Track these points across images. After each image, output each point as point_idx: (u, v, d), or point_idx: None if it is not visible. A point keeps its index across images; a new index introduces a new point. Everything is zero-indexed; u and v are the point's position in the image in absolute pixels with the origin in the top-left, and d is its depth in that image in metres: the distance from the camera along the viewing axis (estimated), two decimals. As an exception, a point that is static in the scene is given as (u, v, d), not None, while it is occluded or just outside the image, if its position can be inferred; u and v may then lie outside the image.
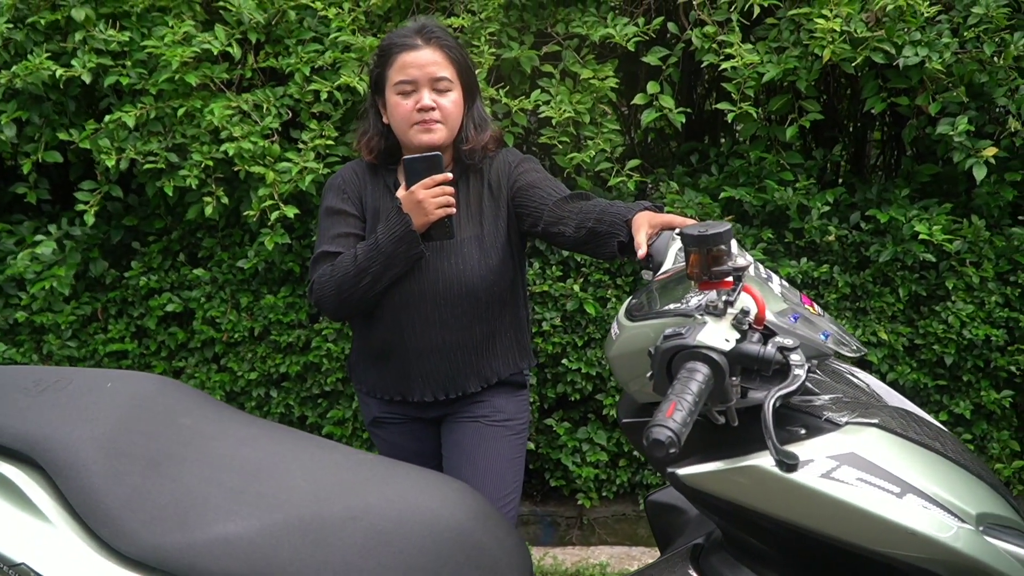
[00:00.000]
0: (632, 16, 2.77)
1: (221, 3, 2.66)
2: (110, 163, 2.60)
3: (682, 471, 1.31)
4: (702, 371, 1.15)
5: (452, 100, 1.87)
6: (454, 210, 1.82)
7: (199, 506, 1.42)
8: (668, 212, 2.73)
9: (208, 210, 2.66)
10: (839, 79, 3.08)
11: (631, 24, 2.68)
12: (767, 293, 1.38)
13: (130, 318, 2.99)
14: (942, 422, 2.87)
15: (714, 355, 1.16)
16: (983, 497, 1.37)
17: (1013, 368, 2.81)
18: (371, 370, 2.02)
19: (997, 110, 2.72)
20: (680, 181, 2.97)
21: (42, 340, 2.91)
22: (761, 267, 1.46)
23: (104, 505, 1.39)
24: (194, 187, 2.65)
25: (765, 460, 1.25)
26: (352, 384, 2.15)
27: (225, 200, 2.69)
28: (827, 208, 2.79)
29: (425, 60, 1.84)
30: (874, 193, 2.90)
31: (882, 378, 2.89)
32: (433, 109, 1.84)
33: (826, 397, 1.41)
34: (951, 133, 2.56)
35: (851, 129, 3.45)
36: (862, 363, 2.92)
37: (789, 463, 1.12)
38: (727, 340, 1.19)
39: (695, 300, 1.34)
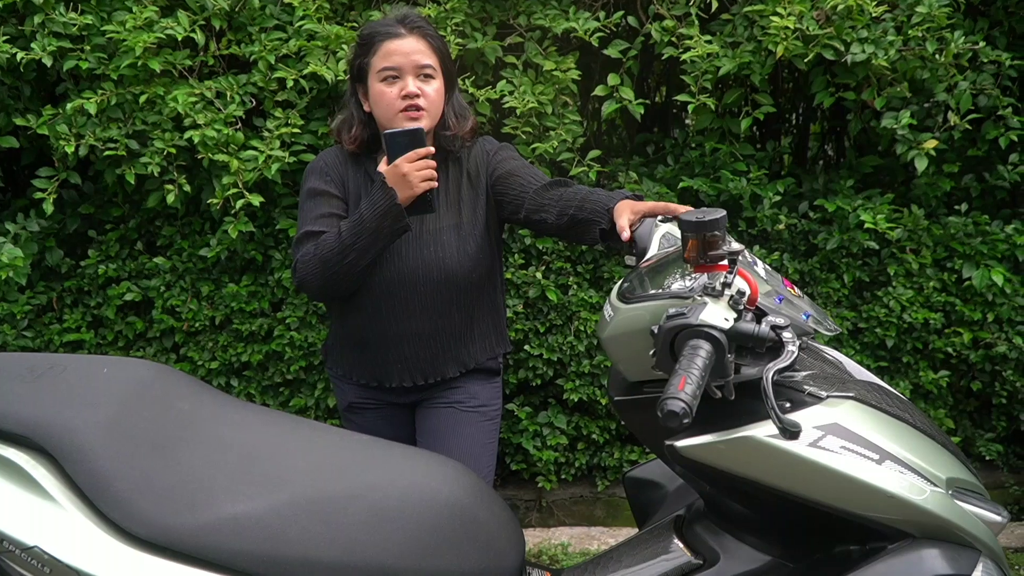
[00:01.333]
0: (592, 10, 2.84)
1: (185, -12, 2.64)
2: (69, 150, 2.55)
3: (680, 443, 1.38)
4: (705, 348, 1.23)
5: (435, 88, 1.91)
6: (436, 184, 1.84)
7: (205, 487, 1.44)
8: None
9: (170, 198, 2.64)
10: (786, 74, 3.21)
11: (592, 19, 2.75)
12: (754, 276, 1.47)
13: (86, 307, 2.94)
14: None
15: (716, 333, 1.24)
16: (949, 463, 1.49)
17: (949, 350, 2.98)
18: (349, 355, 2.05)
19: (936, 105, 2.87)
20: (637, 171, 3.06)
21: (-5, 330, 2.85)
22: (747, 252, 1.54)
23: (114, 488, 1.40)
24: (155, 175, 2.62)
25: (758, 431, 1.34)
26: (326, 369, 2.16)
27: (187, 188, 2.67)
28: (778, 198, 2.91)
29: (409, 48, 1.87)
30: (820, 184, 3.04)
31: (828, 360, 3.03)
32: (418, 96, 1.86)
33: (804, 373, 1.51)
34: (895, 126, 2.70)
35: (796, 122, 3.60)
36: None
37: (792, 431, 1.20)
38: (726, 320, 1.27)
39: (680, 283, 1.42)
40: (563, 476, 3.17)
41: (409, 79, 1.87)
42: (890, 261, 2.95)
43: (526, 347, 2.97)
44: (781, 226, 2.92)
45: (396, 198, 1.80)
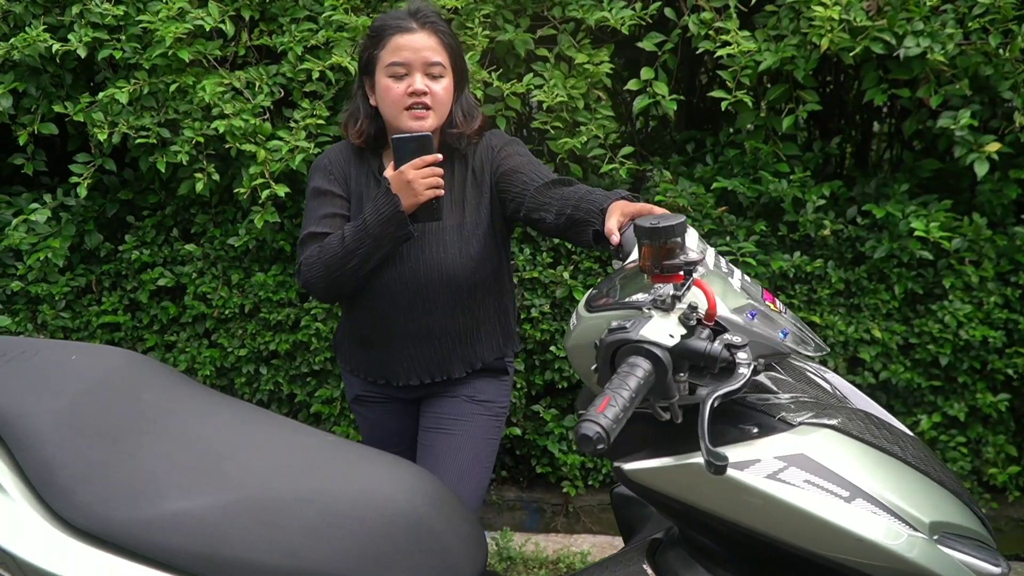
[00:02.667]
0: (629, 1, 2.73)
1: (216, -21, 2.66)
2: (102, 136, 2.60)
3: (627, 466, 1.29)
4: (643, 366, 1.14)
5: (444, 86, 1.85)
6: (443, 192, 1.80)
7: (153, 482, 1.42)
8: (659, 201, 2.73)
9: (199, 186, 2.66)
10: (844, 69, 3.02)
11: (628, 8, 2.64)
12: (726, 289, 1.35)
13: (123, 291, 3.01)
14: (935, 424, 2.84)
15: (656, 350, 1.14)
16: (941, 505, 1.34)
17: (1011, 371, 2.76)
18: (357, 351, 2.03)
19: (1006, 105, 2.65)
20: (676, 170, 2.94)
21: (37, 310, 2.94)
22: (723, 261, 1.43)
23: (58, 477, 1.40)
24: (185, 163, 2.64)
25: (711, 458, 1.23)
26: (337, 360, 2.15)
27: (216, 177, 2.69)
28: (823, 201, 2.74)
29: (420, 44, 1.82)
30: (872, 188, 2.85)
31: (875, 377, 2.85)
32: (425, 94, 1.82)
33: (786, 396, 1.39)
34: (952, 127, 2.50)
35: (858, 121, 3.39)
36: (853, 360, 2.88)
37: (718, 464, 1.09)
38: (671, 335, 1.17)
39: (645, 294, 1.32)
40: (590, 482, 3.08)
41: (417, 76, 1.82)
42: (947, 273, 2.75)
43: (552, 348, 2.89)
44: (826, 231, 2.75)
45: (400, 205, 1.77)
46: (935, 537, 1.28)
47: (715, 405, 1.12)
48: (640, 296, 1.34)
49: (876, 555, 1.23)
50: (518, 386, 2.94)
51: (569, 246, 2.85)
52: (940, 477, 1.38)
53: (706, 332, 1.21)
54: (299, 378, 3.03)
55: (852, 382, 2.83)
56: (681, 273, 1.24)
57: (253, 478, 1.45)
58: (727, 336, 1.20)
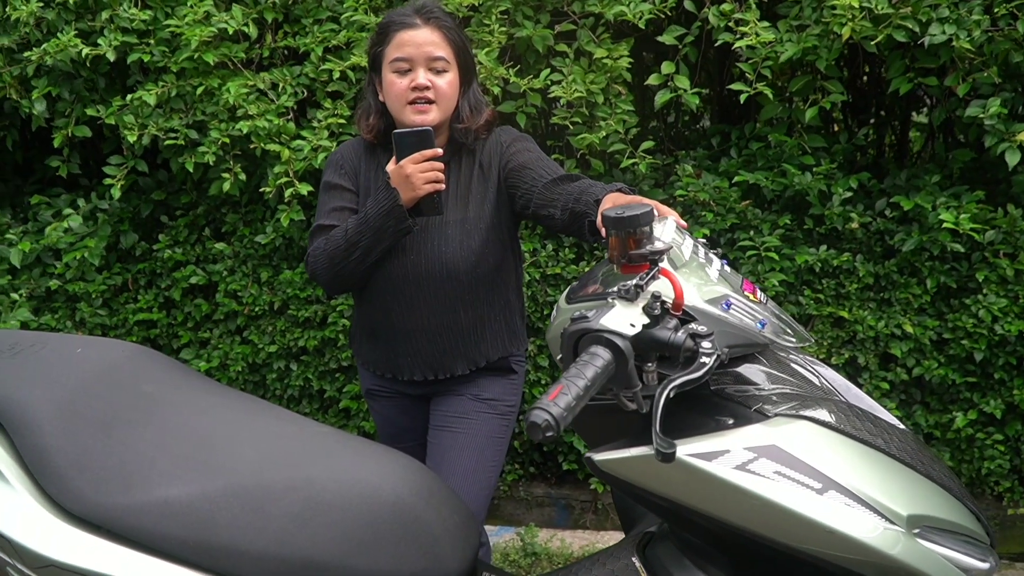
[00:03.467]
0: (650, -6, 2.70)
1: (240, -18, 2.72)
2: (132, 138, 2.69)
3: (597, 456, 1.29)
4: (603, 356, 1.13)
5: (447, 81, 1.86)
6: (443, 186, 1.81)
7: (145, 470, 1.46)
8: (681, 196, 2.70)
9: (226, 186, 2.73)
10: (876, 59, 2.95)
11: (646, 2, 2.62)
12: (702, 279, 1.34)
13: (158, 289, 3.10)
14: (971, 421, 2.75)
15: (616, 339, 1.14)
16: (926, 498, 1.31)
17: (1049, 366, 2.66)
18: (366, 344, 2.06)
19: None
20: (701, 164, 2.90)
21: (75, 308, 3.04)
22: (702, 250, 1.41)
23: (54, 463, 1.45)
24: (212, 163, 2.71)
25: (680, 449, 1.22)
26: (353, 352, 2.19)
27: (243, 176, 2.75)
28: (850, 194, 2.68)
29: (422, 39, 1.84)
30: (903, 179, 2.77)
31: (908, 373, 2.77)
32: (428, 88, 1.83)
33: (768, 388, 1.37)
34: (982, 116, 2.42)
35: (897, 111, 3.30)
36: (885, 356, 2.81)
37: (665, 452, 1.08)
38: (632, 325, 1.16)
39: (621, 285, 1.31)
40: (616, 479, 3.05)
41: (420, 71, 1.84)
42: (981, 266, 2.66)
43: (575, 344, 2.88)
44: (854, 224, 2.69)
45: (399, 199, 1.78)
46: (915, 531, 1.25)
47: (671, 394, 1.11)
48: (617, 286, 1.33)
49: (850, 548, 1.21)
50: (542, 382, 2.94)
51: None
52: (928, 471, 1.34)
53: (673, 322, 1.20)
54: (328, 374, 3.08)
55: (884, 379, 2.77)
56: (648, 263, 1.23)
57: (243, 466, 1.48)
58: (692, 326, 1.19)
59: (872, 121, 3.25)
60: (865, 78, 3.20)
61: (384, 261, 1.89)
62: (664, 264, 1.24)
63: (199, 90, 2.70)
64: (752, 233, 2.74)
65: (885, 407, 2.68)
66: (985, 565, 1.30)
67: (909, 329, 2.71)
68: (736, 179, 2.71)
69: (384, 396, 2.10)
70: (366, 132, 1.97)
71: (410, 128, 1.80)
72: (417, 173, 1.78)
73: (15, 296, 2.85)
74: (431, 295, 1.91)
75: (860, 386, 2.74)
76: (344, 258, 1.84)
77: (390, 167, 1.82)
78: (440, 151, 1.80)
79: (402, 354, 1.98)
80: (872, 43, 2.40)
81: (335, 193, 1.95)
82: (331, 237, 1.87)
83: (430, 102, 1.84)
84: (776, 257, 2.68)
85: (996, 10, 2.36)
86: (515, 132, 2.02)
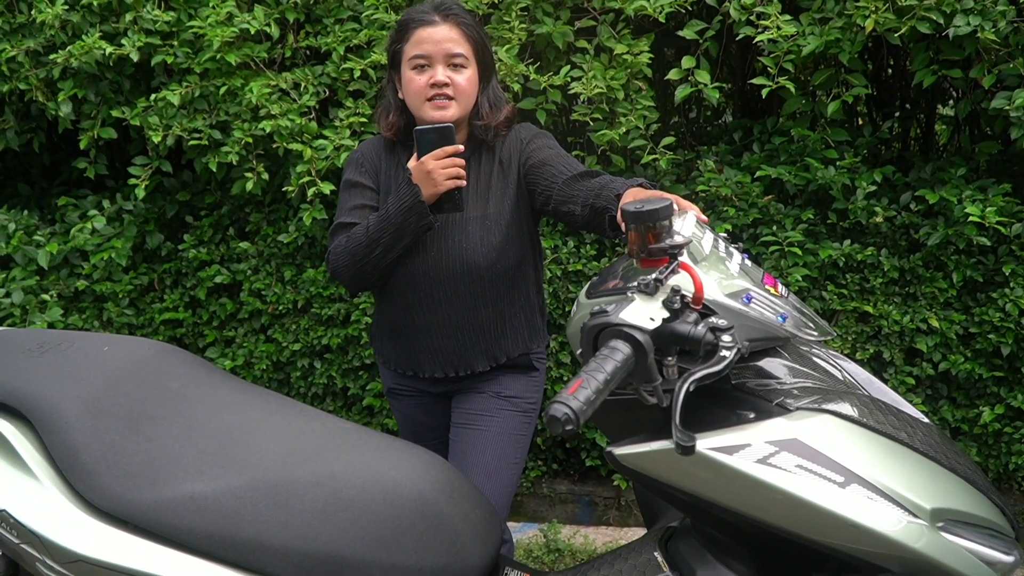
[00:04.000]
0: (670, -12, 2.69)
1: (262, -17, 2.74)
2: (156, 139, 2.72)
3: (618, 451, 1.29)
4: (622, 350, 1.13)
5: (466, 77, 1.87)
6: (464, 182, 1.82)
7: (171, 465, 1.48)
8: (703, 191, 2.69)
9: (249, 185, 2.75)
10: (901, 51, 2.92)
11: (666, -3, 2.61)
12: (722, 273, 1.34)
13: (184, 288, 3.13)
14: (999, 416, 2.72)
15: (636, 333, 1.14)
16: (949, 492, 1.30)
17: (1078, 361, 2.62)
18: (386, 342, 2.07)
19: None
20: (724, 159, 2.89)
21: (103, 308, 3.08)
22: (722, 244, 1.41)
23: (82, 460, 1.47)
24: (235, 163, 2.74)
25: (702, 442, 1.22)
26: (374, 351, 2.19)
27: (265, 176, 2.77)
28: (874, 188, 2.66)
29: (441, 36, 1.84)
30: (928, 172, 2.74)
31: (934, 368, 2.75)
32: (447, 85, 1.84)
33: (790, 382, 1.37)
34: (1008, 108, 2.39)
35: (923, 104, 3.27)
36: (911, 351, 2.79)
37: (685, 445, 1.08)
38: (652, 319, 1.16)
39: (641, 279, 1.31)
40: (639, 476, 3.05)
41: (439, 67, 1.84)
42: (1007, 259, 2.63)
43: (597, 341, 2.87)
44: (878, 218, 2.67)
45: (420, 195, 1.79)
46: (939, 524, 1.24)
47: (691, 388, 1.11)
48: (636, 281, 1.33)
49: (873, 541, 1.20)
50: (564, 378, 2.94)
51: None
52: (952, 464, 1.33)
53: (693, 316, 1.20)
54: (351, 372, 3.10)
55: (910, 374, 2.75)
56: (667, 257, 1.23)
57: (267, 461, 1.50)
58: (713, 320, 1.19)
59: (897, 114, 3.22)
60: (889, 71, 3.17)
61: (405, 258, 1.90)
62: (684, 258, 1.24)
63: (222, 90, 2.73)
64: (775, 228, 2.72)
65: (911, 402, 2.67)
66: (1010, 559, 1.28)
67: (935, 323, 2.68)
68: (758, 174, 2.69)
69: (405, 395, 2.11)
70: (386, 130, 1.97)
71: (431, 125, 1.81)
72: (439, 169, 1.79)
73: (45, 297, 2.89)
74: (452, 292, 1.92)
75: (885, 381, 2.72)
76: (365, 255, 1.85)
77: (411, 164, 1.83)
78: (461, 147, 1.81)
79: (423, 351, 1.99)
80: (896, 35, 2.38)
81: (356, 191, 1.96)
82: (352, 235, 1.88)
83: (449, 98, 1.85)
84: (799, 252, 2.66)
85: (1021, 0, 2.33)
86: (534, 129, 2.02)
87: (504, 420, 2.01)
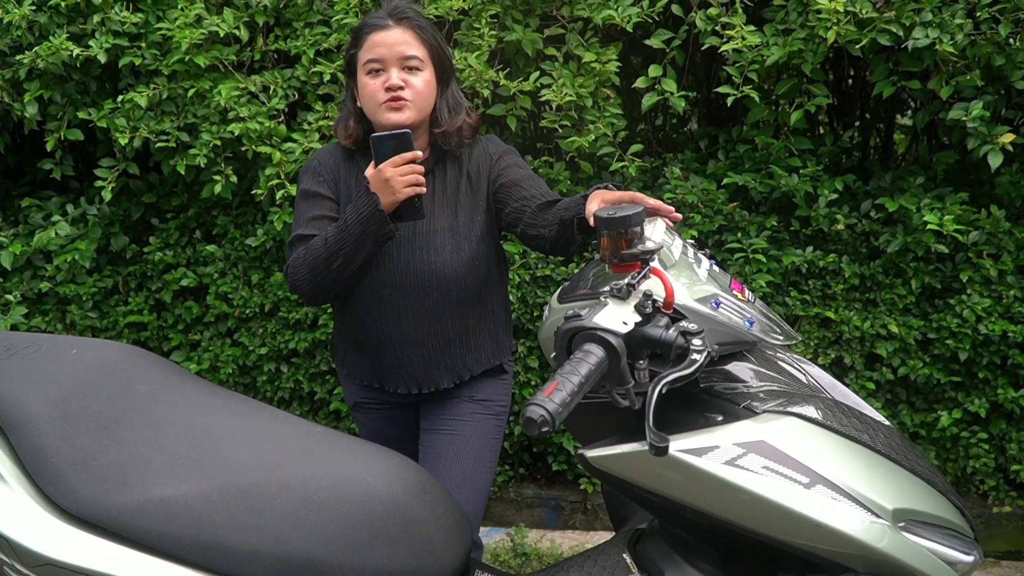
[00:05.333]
0: (638, -1, 2.74)
1: (231, -15, 2.74)
2: (124, 141, 2.70)
3: (590, 453, 1.31)
4: (596, 353, 1.15)
5: (423, 80, 1.85)
6: (424, 189, 1.77)
7: (141, 469, 1.47)
8: (670, 198, 2.73)
9: (217, 188, 2.74)
10: (860, 62, 2.99)
11: (635, 6, 2.65)
12: (691, 278, 1.37)
13: (149, 291, 3.10)
14: (956, 420, 2.79)
15: (609, 337, 1.16)
16: (910, 493, 1.34)
17: (1031, 366, 2.70)
18: (350, 354, 2.04)
19: (1020, 95, 2.60)
20: (690, 166, 2.93)
21: (66, 310, 3.05)
22: (691, 250, 1.44)
23: (51, 464, 1.46)
24: (203, 166, 2.72)
25: (671, 445, 1.24)
26: (335, 365, 2.15)
27: (234, 179, 2.76)
28: (835, 195, 2.72)
29: (394, 39, 1.83)
30: (888, 181, 2.81)
31: (893, 372, 2.81)
32: (402, 88, 1.81)
33: (756, 385, 1.40)
34: (964, 119, 2.46)
35: (882, 114, 3.35)
36: (871, 356, 2.85)
37: (659, 446, 1.11)
38: (624, 323, 1.18)
39: (613, 284, 1.34)
40: (606, 479, 3.08)
41: (393, 71, 1.82)
42: (965, 266, 2.70)
43: (564, 345, 2.90)
44: (839, 226, 2.72)
45: (379, 204, 1.75)
46: (900, 524, 1.28)
47: (663, 391, 1.14)
48: (607, 286, 1.36)
49: (837, 541, 1.24)
50: (532, 383, 2.96)
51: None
52: (913, 466, 1.37)
53: (664, 320, 1.23)
54: (319, 376, 3.10)
55: (870, 378, 2.81)
56: (639, 262, 1.25)
57: (238, 465, 1.50)
58: (683, 324, 1.22)
59: (857, 124, 3.29)
60: (850, 81, 3.25)
61: (370, 269, 1.87)
62: (655, 263, 1.26)
63: (190, 93, 2.71)
64: (739, 235, 2.77)
65: (871, 406, 2.73)
66: (969, 558, 1.33)
67: (894, 329, 2.75)
68: (725, 181, 2.74)
69: (372, 407, 2.08)
70: (345, 138, 1.94)
71: (388, 131, 1.77)
72: (397, 176, 1.74)
73: (9, 298, 2.85)
74: (418, 304, 1.89)
75: (846, 386, 2.77)
76: (325, 268, 1.81)
77: (369, 172, 1.79)
78: (420, 153, 1.77)
79: (387, 365, 1.96)
80: (856, 47, 2.44)
81: (314, 202, 1.92)
82: (311, 247, 1.83)
83: (403, 100, 1.82)
84: (763, 259, 2.71)
85: (978, 14, 2.40)
86: (501, 144, 2.02)
87: (477, 424, 2.01)
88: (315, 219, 1.89)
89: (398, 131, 1.76)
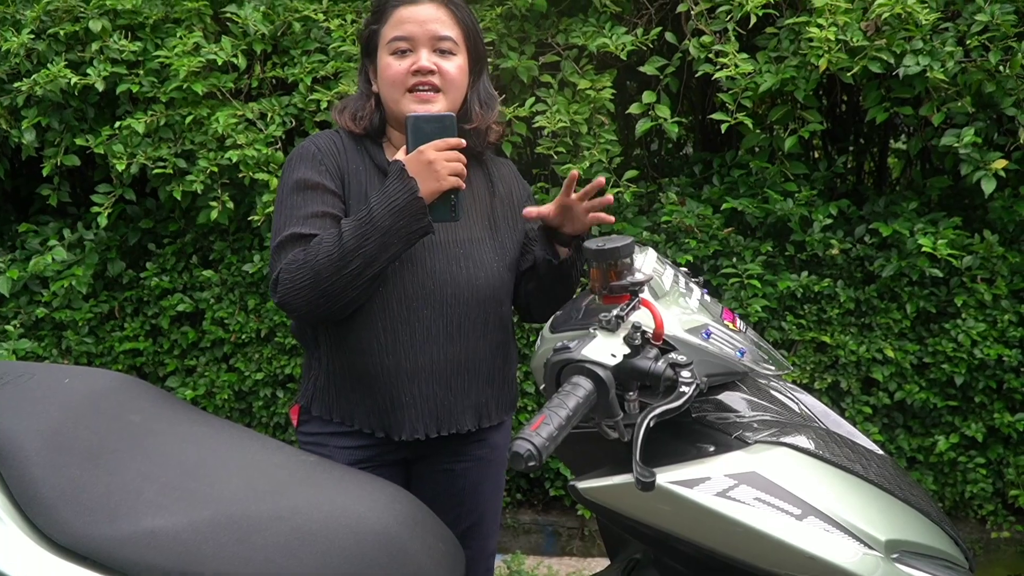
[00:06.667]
0: (631, 27, 2.76)
1: (228, 15, 2.75)
2: (121, 167, 2.71)
3: (581, 484, 1.30)
4: (584, 386, 1.15)
5: (456, 65, 1.59)
6: (464, 185, 1.49)
7: (131, 499, 1.47)
8: (665, 222, 2.73)
9: (214, 214, 2.75)
10: (852, 88, 3.01)
11: (629, 34, 2.67)
12: (682, 309, 1.37)
13: (145, 317, 3.10)
14: (953, 445, 2.78)
15: (597, 369, 1.16)
16: (903, 523, 1.33)
17: (1028, 390, 2.70)
18: (348, 395, 1.65)
19: (1014, 121, 2.62)
20: (685, 191, 2.95)
21: (62, 336, 3.04)
22: (682, 279, 1.44)
23: (41, 495, 1.45)
24: (200, 192, 2.73)
25: (662, 476, 1.24)
26: (299, 431, 1.75)
27: (230, 205, 2.77)
28: (830, 220, 2.73)
29: (426, 16, 1.56)
30: (882, 206, 2.82)
31: (890, 397, 2.81)
32: (432, 72, 1.55)
33: (748, 415, 1.39)
34: (956, 145, 2.48)
35: (875, 139, 3.36)
36: (867, 380, 2.84)
37: (644, 481, 1.11)
38: (613, 355, 1.18)
39: (604, 314, 1.34)
40: (603, 505, 3.07)
41: (423, 52, 1.55)
42: (959, 291, 2.70)
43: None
44: (834, 251, 2.73)
45: (417, 191, 1.44)
46: (894, 556, 1.27)
47: (651, 424, 1.13)
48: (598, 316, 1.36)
49: (830, 573, 1.23)
50: (528, 408, 2.95)
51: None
52: (906, 496, 1.37)
53: (653, 351, 1.22)
54: (314, 401, 3.08)
55: (867, 403, 2.81)
56: (628, 293, 1.25)
57: (229, 496, 1.49)
58: (673, 355, 1.21)
59: (851, 149, 3.31)
60: (843, 107, 3.27)
61: (390, 279, 1.55)
62: (645, 294, 1.26)
63: (188, 119, 2.73)
64: (735, 260, 2.78)
65: (868, 431, 2.74)
66: (961, 588, 1.32)
67: (890, 353, 2.75)
68: (724, 207, 2.75)
69: (368, 468, 1.68)
70: (351, 123, 1.64)
71: (430, 113, 1.53)
72: (442, 160, 1.46)
73: (7, 328, 2.85)
74: (451, 325, 1.59)
75: (843, 410, 2.77)
76: (337, 271, 1.46)
77: (400, 155, 1.49)
78: (464, 142, 1.49)
79: (400, 404, 1.61)
80: (848, 74, 2.46)
81: (313, 194, 1.56)
82: (315, 246, 1.48)
83: (436, 90, 1.57)
84: (759, 284, 2.72)
85: (968, 42, 2.42)
86: (527, 184, 1.85)
87: (493, 487, 1.79)
88: (315, 216, 1.54)
89: (442, 114, 1.52)
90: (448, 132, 1.48)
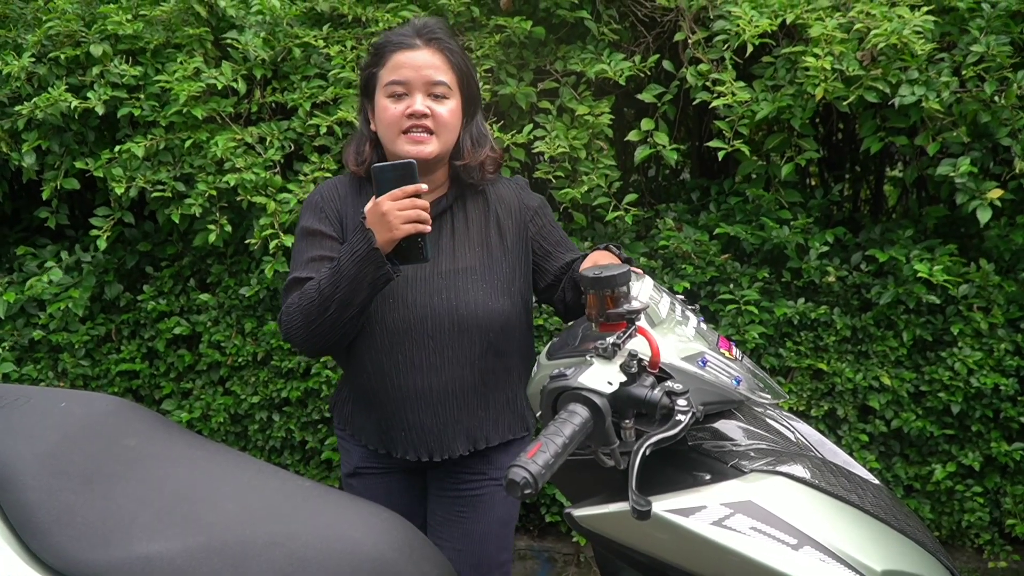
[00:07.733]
0: (630, 54, 2.79)
1: (229, 41, 2.78)
2: (120, 190, 2.72)
3: (577, 512, 1.30)
4: (581, 414, 1.15)
5: (449, 109, 1.68)
6: (427, 227, 1.58)
7: (126, 525, 1.46)
8: (663, 247, 2.74)
9: (211, 237, 2.75)
10: (848, 116, 3.03)
11: (627, 60, 2.70)
12: (678, 337, 1.37)
13: (142, 340, 3.10)
14: (950, 473, 2.78)
15: (594, 397, 1.16)
16: (899, 553, 1.33)
17: (1024, 419, 2.70)
18: (357, 415, 1.84)
19: (1010, 151, 2.64)
20: (682, 217, 2.96)
21: (58, 358, 3.04)
22: (679, 307, 1.45)
23: (36, 519, 1.45)
24: (198, 215, 2.74)
25: (658, 504, 1.24)
26: (335, 428, 1.95)
27: (228, 228, 2.78)
28: (826, 248, 2.74)
29: (422, 62, 1.66)
30: (878, 233, 2.83)
31: (887, 425, 2.80)
32: (426, 116, 1.65)
33: (745, 443, 1.40)
34: (952, 174, 2.49)
35: (871, 167, 3.39)
36: (864, 408, 2.84)
37: (640, 510, 1.11)
38: (610, 383, 1.19)
39: (600, 342, 1.34)
40: (599, 531, 3.05)
41: (418, 96, 1.65)
42: (955, 319, 2.71)
43: (557, 396, 2.90)
44: (830, 278, 2.74)
45: (373, 241, 1.56)
46: (890, 587, 1.27)
47: (647, 452, 1.14)
48: (594, 344, 1.36)
49: (825, 604, 1.22)
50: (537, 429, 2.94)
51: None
52: (902, 526, 1.36)
53: (649, 379, 1.23)
54: (310, 425, 3.08)
55: (863, 431, 2.80)
56: (625, 321, 1.26)
57: (224, 521, 1.49)
58: (669, 383, 1.22)
59: (847, 176, 3.33)
60: (839, 135, 3.29)
61: (380, 314, 1.69)
62: (641, 322, 1.27)
63: (187, 143, 2.74)
64: (732, 286, 2.78)
65: (864, 459, 2.73)
66: (957, 620, 1.31)
67: (887, 381, 2.75)
68: (717, 231, 2.76)
69: (374, 473, 1.87)
70: (354, 165, 1.77)
71: (391, 161, 1.62)
72: (395, 211, 1.55)
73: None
74: (435, 355, 1.71)
75: (839, 438, 2.77)
76: (319, 315, 1.62)
77: (368, 206, 1.59)
78: (424, 187, 1.57)
79: (397, 427, 1.76)
80: (844, 103, 2.47)
81: (314, 240, 1.73)
82: (305, 291, 1.64)
83: (429, 132, 1.66)
84: (755, 310, 2.72)
85: (964, 72, 2.45)
86: (534, 195, 1.89)
87: (495, 507, 1.86)
88: (314, 260, 1.70)
89: (401, 161, 1.58)
90: (408, 179, 1.56)
